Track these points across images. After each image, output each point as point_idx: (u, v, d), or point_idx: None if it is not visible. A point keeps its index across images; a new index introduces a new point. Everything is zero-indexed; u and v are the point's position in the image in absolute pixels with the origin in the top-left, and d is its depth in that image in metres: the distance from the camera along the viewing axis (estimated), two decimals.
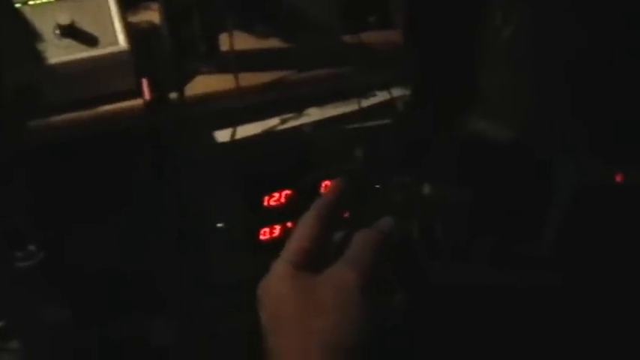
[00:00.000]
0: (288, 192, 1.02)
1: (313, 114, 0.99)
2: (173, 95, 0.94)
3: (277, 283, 0.62)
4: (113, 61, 0.91)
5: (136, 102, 0.92)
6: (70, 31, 0.91)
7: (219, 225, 1.02)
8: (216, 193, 1.00)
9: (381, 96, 0.99)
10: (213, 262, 1.06)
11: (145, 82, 0.92)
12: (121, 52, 0.91)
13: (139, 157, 0.97)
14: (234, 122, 0.95)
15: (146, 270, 1.05)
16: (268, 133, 0.97)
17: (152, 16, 1.03)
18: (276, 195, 1.02)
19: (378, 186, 0.80)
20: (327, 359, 0.57)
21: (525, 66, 0.80)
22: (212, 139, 0.96)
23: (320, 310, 0.59)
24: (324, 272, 0.61)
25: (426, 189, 0.77)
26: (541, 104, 0.80)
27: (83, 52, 0.91)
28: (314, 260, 0.62)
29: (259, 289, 0.63)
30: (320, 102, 1.00)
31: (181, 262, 1.05)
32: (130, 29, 0.94)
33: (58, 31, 0.91)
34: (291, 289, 0.61)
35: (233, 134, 0.95)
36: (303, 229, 0.65)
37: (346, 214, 0.70)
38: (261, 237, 1.05)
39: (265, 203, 1.02)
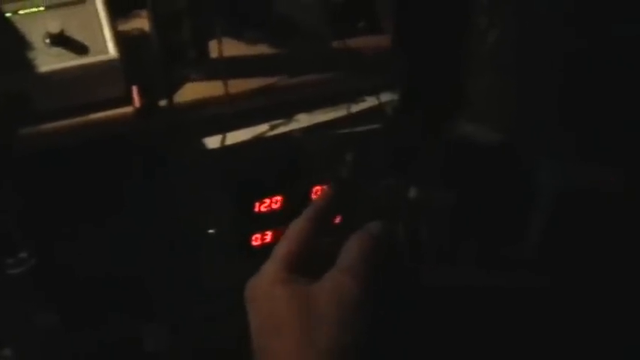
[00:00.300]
0: (279, 198, 1.02)
1: (303, 120, 0.99)
2: (163, 102, 0.94)
3: (269, 286, 0.62)
4: (103, 68, 0.92)
5: (127, 109, 0.93)
6: (60, 40, 0.92)
7: (210, 231, 1.03)
8: (207, 199, 1.00)
9: (369, 101, 1.00)
10: (204, 268, 1.06)
11: (135, 90, 0.93)
12: (110, 60, 0.92)
13: (131, 163, 0.97)
14: (224, 128, 0.96)
15: (138, 276, 1.06)
16: (258, 139, 0.97)
17: (142, 23, 1.04)
18: (267, 201, 1.02)
19: (367, 190, 0.80)
20: None
21: (511, 70, 0.81)
22: (202, 145, 0.96)
23: (320, 319, 0.59)
24: (321, 279, 0.61)
25: (412, 192, 0.77)
26: (526, 108, 0.80)
27: (73, 61, 0.91)
28: (303, 264, 0.63)
29: (248, 290, 0.63)
30: (309, 108, 1.00)
31: (173, 267, 1.06)
32: (119, 37, 0.95)
33: (48, 40, 0.92)
34: (284, 293, 0.61)
35: (223, 140, 0.95)
36: (293, 232, 0.65)
37: (336, 220, 0.71)
38: (253, 243, 1.05)
39: (256, 209, 1.02)
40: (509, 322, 0.77)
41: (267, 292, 0.62)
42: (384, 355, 0.61)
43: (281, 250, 0.64)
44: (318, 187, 1.01)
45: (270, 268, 0.63)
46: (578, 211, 0.77)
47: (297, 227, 0.65)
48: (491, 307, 0.77)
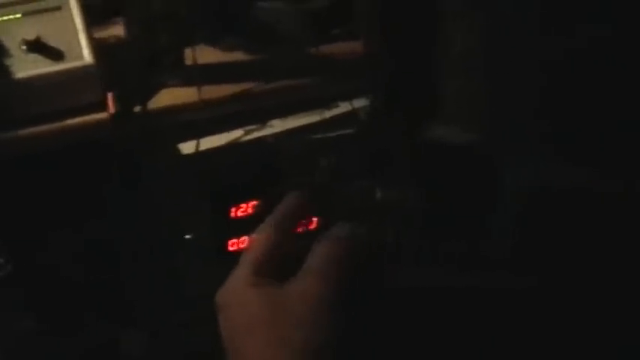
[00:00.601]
0: (254, 203, 1.03)
1: (277, 125, 1.00)
2: (139, 108, 0.95)
3: (240, 290, 0.63)
4: (78, 74, 0.93)
5: (102, 115, 0.94)
6: (36, 47, 0.93)
7: (187, 236, 1.03)
8: (183, 205, 1.01)
9: (343, 106, 1.01)
10: (182, 273, 1.07)
11: (110, 96, 0.94)
12: (85, 66, 0.93)
13: (108, 169, 0.98)
14: (199, 134, 0.96)
15: (116, 281, 1.06)
16: (234, 145, 0.98)
17: (120, 30, 1.05)
18: (243, 206, 1.03)
19: (343, 193, 0.81)
20: None
21: (482, 73, 0.82)
22: (178, 150, 0.97)
23: (289, 322, 0.60)
24: (289, 282, 0.62)
25: (384, 194, 0.78)
26: (499, 110, 0.82)
27: (49, 67, 0.92)
28: (272, 268, 0.64)
29: (219, 297, 0.64)
30: (284, 113, 1.01)
31: (152, 272, 1.06)
32: (96, 44, 0.96)
33: (24, 47, 0.93)
34: (255, 296, 0.62)
35: (198, 146, 0.96)
36: (259, 238, 0.66)
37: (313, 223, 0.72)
38: (230, 248, 1.06)
39: (232, 214, 1.03)
40: (485, 322, 0.78)
41: (238, 297, 0.63)
42: (362, 357, 0.62)
43: (248, 257, 0.65)
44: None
45: (240, 274, 0.64)
46: (551, 211, 0.78)
47: (262, 233, 0.67)
48: (468, 308, 0.78)
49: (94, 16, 1.00)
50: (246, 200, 1.02)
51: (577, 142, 0.79)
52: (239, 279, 0.64)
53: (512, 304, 0.78)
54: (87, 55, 0.93)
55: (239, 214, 1.03)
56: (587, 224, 0.78)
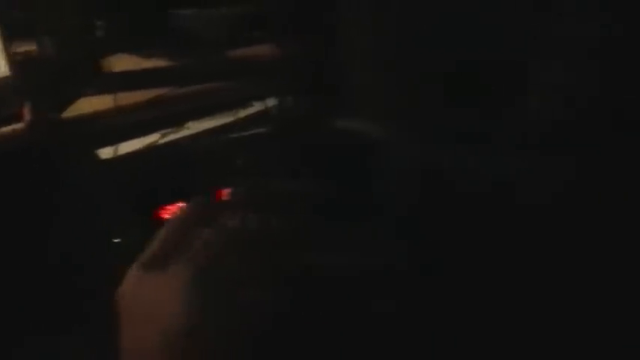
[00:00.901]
0: (181, 203, 1.04)
1: (193, 127, 1.02)
2: (56, 117, 0.97)
3: (128, 286, 0.65)
4: None
5: (19, 125, 0.96)
6: None
7: (115, 240, 1.04)
8: (109, 210, 1.02)
9: (257, 106, 1.03)
10: (114, 278, 1.08)
11: (27, 106, 0.96)
12: (2, 79, 0.95)
13: (28, 179, 0.99)
14: (116, 140, 0.98)
15: (48, 290, 1.07)
16: (152, 148, 1.00)
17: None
18: (170, 207, 1.04)
19: (250, 188, 0.83)
20: (166, 352, 0.60)
21: (386, 65, 0.84)
22: (98, 157, 0.99)
23: (161, 304, 0.61)
24: (168, 268, 0.64)
25: (287, 185, 0.80)
26: (402, 101, 0.84)
27: None
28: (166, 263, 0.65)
29: (115, 296, 0.66)
30: (199, 115, 1.03)
31: (81, 279, 1.07)
32: (16, 56, 0.98)
33: None
34: (140, 289, 0.63)
35: (116, 151, 0.98)
36: (154, 240, 0.68)
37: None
38: None
39: (160, 216, 1.04)
40: (390, 307, 0.80)
41: (127, 293, 0.64)
42: (267, 346, 0.64)
43: (142, 255, 0.67)
44: (219, 191, 1.03)
45: (132, 271, 0.66)
46: (454, 197, 0.80)
47: (157, 236, 0.68)
48: (379, 295, 0.79)
49: (16, 31, 1.03)
50: (170, 201, 1.04)
51: (478, 130, 0.81)
52: (130, 276, 0.65)
53: (419, 289, 0.79)
54: (3, 67, 0.96)
55: (167, 215, 1.04)
56: (488, 211, 0.80)
